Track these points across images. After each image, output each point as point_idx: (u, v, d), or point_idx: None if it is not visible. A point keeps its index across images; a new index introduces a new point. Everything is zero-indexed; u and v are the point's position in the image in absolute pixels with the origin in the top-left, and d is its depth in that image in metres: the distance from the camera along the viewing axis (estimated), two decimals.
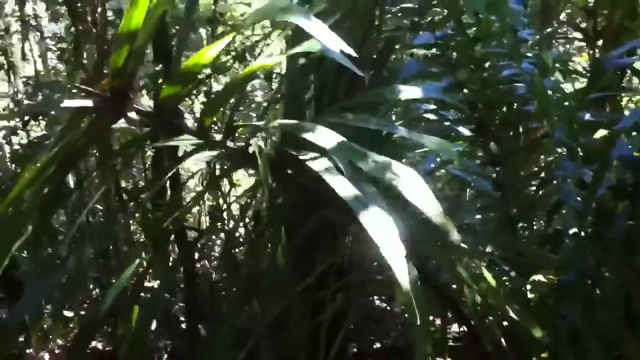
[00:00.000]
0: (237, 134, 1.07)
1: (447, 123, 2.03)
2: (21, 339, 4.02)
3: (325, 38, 0.84)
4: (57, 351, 4.19)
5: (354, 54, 0.87)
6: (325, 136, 0.92)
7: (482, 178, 2.09)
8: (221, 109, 1.59)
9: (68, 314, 4.44)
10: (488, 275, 1.47)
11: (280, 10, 0.84)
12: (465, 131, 2.04)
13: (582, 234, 2.00)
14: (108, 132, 0.94)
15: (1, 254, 0.83)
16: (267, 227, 1.19)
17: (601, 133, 2.25)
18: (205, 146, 1.07)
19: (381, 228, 0.86)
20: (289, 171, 1.21)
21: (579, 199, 1.99)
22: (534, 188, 2.16)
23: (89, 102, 0.90)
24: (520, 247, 1.91)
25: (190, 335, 3.42)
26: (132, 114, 0.89)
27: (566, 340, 2.00)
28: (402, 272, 0.82)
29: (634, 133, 1.93)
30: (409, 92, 1.27)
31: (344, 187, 0.90)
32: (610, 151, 1.85)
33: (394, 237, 0.85)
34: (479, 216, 2.23)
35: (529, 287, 2.22)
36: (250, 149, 1.03)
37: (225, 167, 1.41)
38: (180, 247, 2.99)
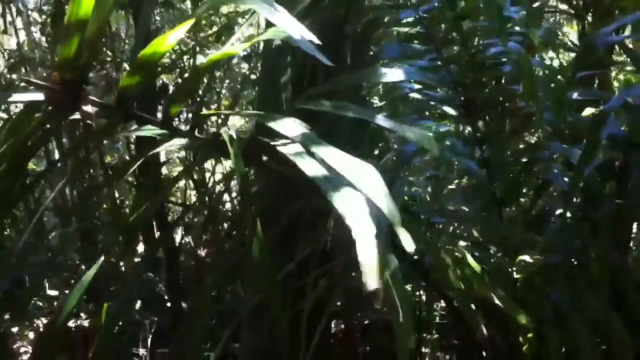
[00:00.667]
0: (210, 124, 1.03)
1: (432, 102, 1.98)
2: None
3: (288, 27, 0.79)
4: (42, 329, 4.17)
5: (317, 40, 0.81)
6: (288, 126, 0.87)
7: (469, 158, 2.05)
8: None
9: (52, 292, 4.42)
10: (472, 260, 1.44)
11: None
12: (450, 110, 2.00)
13: (568, 215, 1.97)
14: (60, 127, 0.89)
15: None
16: (242, 216, 1.15)
17: (589, 111, 2.21)
18: (172, 136, 1.03)
19: (351, 206, 0.81)
20: (265, 158, 1.16)
21: (565, 179, 1.95)
22: (520, 168, 2.12)
23: (39, 96, 0.84)
24: (505, 231, 1.88)
25: (174, 313, 3.40)
26: (88, 108, 0.84)
27: (552, 322, 1.98)
28: (369, 252, 0.77)
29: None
30: (390, 74, 1.22)
31: (314, 169, 0.86)
32: (599, 130, 1.81)
33: (363, 214, 0.81)
34: (463, 198, 2.20)
35: (515, 267, 2.20)
36: (221, 138, 0.98)
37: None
38: (161, 225, 2.95)
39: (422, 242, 1.35)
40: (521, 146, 2.21)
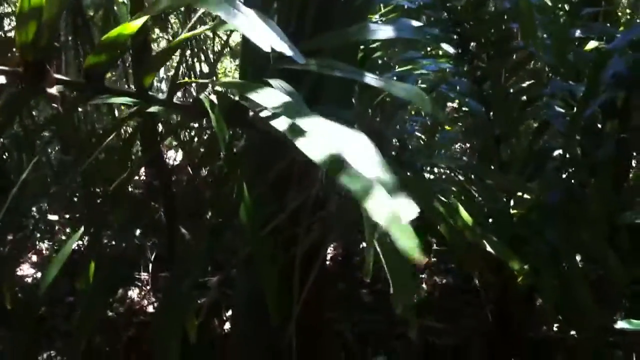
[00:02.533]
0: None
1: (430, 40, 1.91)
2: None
3: (252, 34, 0.73)
4: (45, 252, 4.24)
5: (289, 52, 0.75)
6: (268, 97, 0.83)
7: (468, 96, 2.01)
8: None
9: (53, 217, 4.46)
10: (464, 212, 1.43)
11: None
12: (449, 49, 1.93)
13: (567, 155, 1.94)
14: (24, 109, 0.86)
15: None
16: (226, 179, 1.13)
17: (593, 44, 2.14)
18: (149, 104, 0.99)
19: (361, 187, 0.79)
20: (251, 114, 1.13)
21: (564, 120, 1.92)
22: (520, 106, 2.07)
23: (0, 79, 0.81)
24: (500, 178, 1.86)
25: (171, 240, 3.44)
26: (52, 90, 0.81)
27: (547, 257, 2.00)
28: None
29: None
30: (380, 32, 1.16)
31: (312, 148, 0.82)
32: (602, 69, 1.76)
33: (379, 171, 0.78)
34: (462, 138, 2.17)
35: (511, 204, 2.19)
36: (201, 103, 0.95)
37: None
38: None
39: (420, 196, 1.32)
40: (522, 84, 2.16)
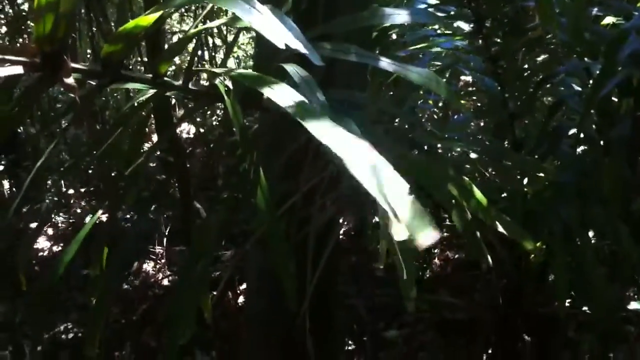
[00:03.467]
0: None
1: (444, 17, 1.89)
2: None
3: (267, 32, 0.73)
4: (60, 225, 4.29)
5: (304, 49, 0.75)
6: (282, 94, 0.84)
7: (483, 73, 1.99)
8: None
9: (68, 191, 4.52)
10: (477, 192, 1.43)
11: None
12: (464, 26, 1.92)
13: (582, 134, 1.93)
14: (39, 99, 0.87)
15: None
16: (242, 158, 1.14)
17: (609, 20, 2.12)
18: (165, 90, 1.01)
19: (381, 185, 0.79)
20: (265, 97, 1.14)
21: (579, 99, 1.90)
22: (535, 84, 2.06)
23: (18, 69, 0.82)
24: (513, 158, 1.85)
25: (186, 214, 3.47)
26: (70, 80, 0.82)
27: (560, 235, 2.00)
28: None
29: None
30: (395, 16, 1.16)
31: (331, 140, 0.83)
32: (619, 48, 1.74)
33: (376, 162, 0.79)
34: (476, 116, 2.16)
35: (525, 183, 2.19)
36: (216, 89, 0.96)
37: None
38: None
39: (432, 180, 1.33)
40: (537, 62, 2.14)
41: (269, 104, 1.16)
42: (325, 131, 0.74)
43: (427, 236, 0.77)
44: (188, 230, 3.54)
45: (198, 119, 4.44)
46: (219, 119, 4.52)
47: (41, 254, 3.89)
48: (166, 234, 3.78)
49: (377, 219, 4.35)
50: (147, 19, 0.83)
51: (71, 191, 4.38)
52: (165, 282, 3.51)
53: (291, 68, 0.98)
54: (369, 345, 2.91)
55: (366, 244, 3.85)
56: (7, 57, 0.81)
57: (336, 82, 1.27)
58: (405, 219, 0.77)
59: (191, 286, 1.17)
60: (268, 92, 0.82)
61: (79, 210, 4.32)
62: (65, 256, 1.08)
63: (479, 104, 2.39)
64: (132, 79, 0.98)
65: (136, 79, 0.99)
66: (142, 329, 3.09)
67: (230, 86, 0.98)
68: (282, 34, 0.74)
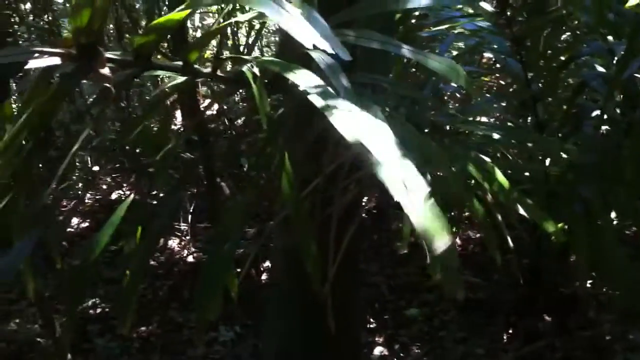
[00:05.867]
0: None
1: None
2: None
3: (296, 32, 0.75)
4: (87, 202, 4.36)
5: (330, 49, 0.77)
6: (305, 79, 0.87)
7: (506, 55, 2.00)
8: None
9: (95, 168, 4.59)
10: (500, 175, 1.45)
11: None
12: (487, 6, 1.92)
13: (605, 116, 1.93)
14: (74, 89, 0.91)
15: None
16: (267, 145, 1.17)
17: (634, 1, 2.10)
18: (195, 76, 1.04)
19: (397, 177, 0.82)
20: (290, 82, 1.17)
21: (602, 80, 1.90)
22: (558, 65, 2.06)
23: (55, 60, 0.85)
24: (539, 139, 1.86)
25: (211, 192, 3.51)
26: (105, 70, 0.85)
27: (581, 215, 2.01)
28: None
29: None
30: (418, 1, 1.17)
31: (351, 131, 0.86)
32: None
33: (395, 161, 0.82)
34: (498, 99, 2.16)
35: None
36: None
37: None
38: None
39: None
40: (560, 43, 2.14)
41: (293, 89, 1.19)
42: (347, 124, 0.77)
43: (442, 242, 0.81)
44: (213, 207, 3.59)
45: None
46: (242, 97, 4.57)
47: (70, 229, 3.96)
48: (190, 211, 3.84)
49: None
50: (180, 14, 0.86)
51: (96, 168, 4.44)
52: (190, 258, 3.57)
53: (316, 55, 1.00)
54: (390, 323, 2.96)
55: (388, 223, 3.88)
56: (45, 49, 0.85)
57: (360, 65, 1.29)
58: (422, 224, 0.81)
59: (219, 263, 1.21)
60: (291, 76, 0.86)
61: (104, 187, 4.40)
62: (101, 237, 1.13)
63: (502, 83, 2.40)
64: (163, 67, 1.02)
65: (167, 67, 1.03)
66: (168, 304, 3.16)
67: (257, 73, 1.00)
68: (310, 35, 0.77)
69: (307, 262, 1.35)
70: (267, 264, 3.32)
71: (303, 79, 0.87)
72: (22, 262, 1.06)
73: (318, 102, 0.88)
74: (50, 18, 4.42)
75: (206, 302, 1.26)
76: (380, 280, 3.32)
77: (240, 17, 0.88)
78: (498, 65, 2.44)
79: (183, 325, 3.00)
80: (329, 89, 0.86)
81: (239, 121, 4.03)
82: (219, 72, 1.07)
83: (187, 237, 3.79)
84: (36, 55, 0.84)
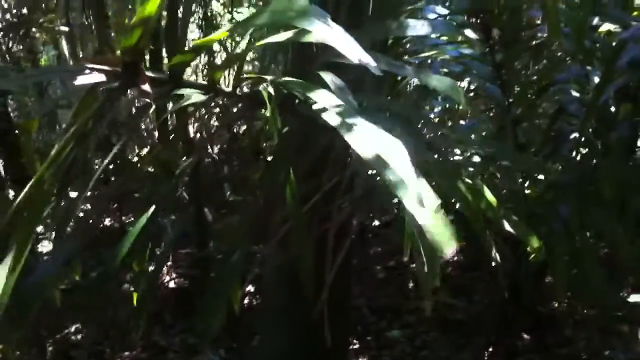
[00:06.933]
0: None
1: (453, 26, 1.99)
2: None
3: (345, 49, 0.82)
4: None
5: (373, 63, 0.84)
6: (324, 98, 0.93)
7: (488, 80, 2.09)
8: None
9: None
10: (488, 193, 1.52)
11: (297, 14, 0.81)
12: (471, 34, 2.01)
13: (582, 138, 2.03)
14: (116, 105, 0.96)
15: (27, 235, 0.86)
16: (274, 161, 1.22)
17: (607, 27, 2.22)
18: (217, 95, 1.09)
19: (403, 185, 0.88)
20: (297, 102, 1.23)
21: (579, 104, 2.00)
22: (537, 90, 2.16)
23: (102, 77, 0.90)
24: (518, 158, 1.95)
25: (198, 219, 3.52)
26: (145, 86, 0.90)
27: (559, 234, 2.09)
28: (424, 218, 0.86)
29: None
30: (417, 27, 1.24)
31: (361, 145, 0.91)
32: (619, 56, 1.84)
33: (412, 176, 0.88)
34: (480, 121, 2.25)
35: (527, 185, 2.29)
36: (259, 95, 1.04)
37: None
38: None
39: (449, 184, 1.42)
40: (539, 69, 2.24)
41: (300, 108, 1.25)
42: (364, 141, 0.84)
43: (450, 248, 0.88)
44: (200, 233, 3.59)
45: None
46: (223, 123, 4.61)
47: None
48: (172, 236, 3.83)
49: (377, 222, 4.45)
50: (219, 36, 0.92)
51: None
52: (172, 284, 3.57)
53: (327, 76, 1.06)
54: (373, 344, 2.99)
55: (368, 248, 3.93)
56: (95, 66, 0.89)
57: (364, 87, 1.36)
58: (433, 232, 0.88)
59: (226, 274, 1.26)
60: (312, 96, 0.92)
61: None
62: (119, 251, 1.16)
63: (482, 108, 2.49)
64: (191, 86, 1.07)
65: (194, 85, 1.08)
66: (150, 329, 3.15)
67: (272, 92, 1.06)
68: (356, 50, 0.83)
69: (303, 274, 1.41)
70: (249, 287, 3.35)
71: (323, 98, 0.93)
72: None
73: (333, 120, 0.94)
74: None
75: (213, 310, 1.30)
76: (362, 303, 3.36)
77: (273, 38, 0.93)
78: (478, 92, 2.53)
79: (167, 348, 3.00)
80: (348, 106, 0.92)
81: (220, 146, 4.06)
82: (237, 91, 1.13)
83: (169, 263, 3.79)
84: (86, 72, 0.88)
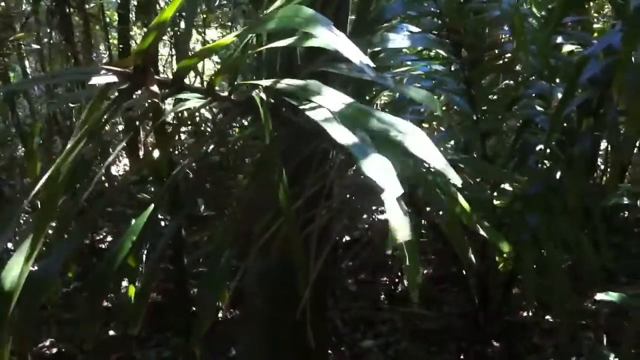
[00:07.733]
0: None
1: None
2: None
3: (349, 53, 0.90)
4: None
5: (372, 64, 0.92)
6: (331, 98, 1.00)
7: (457, 95, 2.19)
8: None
9: None
10: (462, 200, 1.60)
11: (304, 20, 0.89)
12: (441, 52, 2.12)
13: (547, 151, 2.13)
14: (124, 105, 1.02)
15: (39, 232, 0.91)
16: (261, 165, 1.29)
17: (569, 48, 2.36)
18: (215, 99, 1.16)
19: (382, 173, 0.94)
20: (284, 109, 1.30)
21: (545, 117, 2.12)
22: (504, 105, 2.27)
23: (113, 78, 0.97)
24: (488, 169, 2.04)
25: (177, 232, 3.54)
26: (154, 87, 0.97)
27: (527, 243, 2.19)
28: (400, 220, 0.92)
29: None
30: (398, 41, 1.34)
31: (343, 135, 0.99)
32: (581, 72, 1.95)
33: (393, 181, 0.94)
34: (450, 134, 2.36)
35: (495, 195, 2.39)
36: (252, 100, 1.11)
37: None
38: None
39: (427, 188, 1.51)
40: (506, 85, 2.36)
41: (288, 114, 1.33)
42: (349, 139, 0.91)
43: (405, 234, 0.94)
44: (176, 248, 3.60)
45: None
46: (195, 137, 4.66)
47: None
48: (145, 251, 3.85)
49: (347, 237, 4.53)
50: (227, 41, 0.99)
51: None
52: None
53: (313, 84, 1.14)
54: (347, 353, 3.06)
55: (340, 262, 4.01)
56: (110, 67, 0.96)
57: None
58: (397, 217, 0.95)
59: (217, 274, 1.32)
60: (319, 100, 0.99)
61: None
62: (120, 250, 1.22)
63: (453, 120, 2.61)
64: (192, 89, 1.14)
65: (194, 89, 1.14)
66: (125, 344, 3.17)
67: (264, 97, 1.13)
68: (357, 53, 0.91)
69: (299, 274, 1.46)
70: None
71: (331, 101, 1.00)
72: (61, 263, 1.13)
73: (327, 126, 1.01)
74: None
75: (204, 314, 1.36)
76: (335, 315, 3.43)
77: (277, 43, 1.00)
78: (447, 108, 2.65)
79: None
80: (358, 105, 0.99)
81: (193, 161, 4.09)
82: (232, 97, 1.20)
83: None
84: (102, 72, 0.95)
